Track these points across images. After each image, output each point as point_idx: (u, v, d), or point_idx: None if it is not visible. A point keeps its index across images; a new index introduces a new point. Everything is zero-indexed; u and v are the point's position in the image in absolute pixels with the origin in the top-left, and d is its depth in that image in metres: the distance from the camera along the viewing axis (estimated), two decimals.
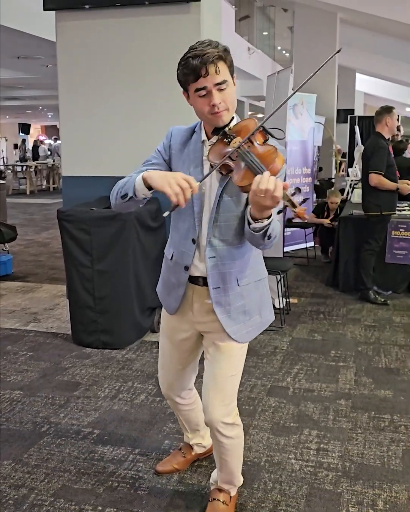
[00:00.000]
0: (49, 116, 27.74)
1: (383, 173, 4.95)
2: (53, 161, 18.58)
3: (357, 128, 11.02)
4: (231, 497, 2.27)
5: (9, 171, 18.20)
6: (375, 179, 4.97)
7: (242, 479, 2.32)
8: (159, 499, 2.39)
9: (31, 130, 30.50)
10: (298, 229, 7.24)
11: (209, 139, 1.88)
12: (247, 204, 1.82)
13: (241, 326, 2.02)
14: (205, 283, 1.98)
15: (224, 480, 2.25)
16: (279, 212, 1.71)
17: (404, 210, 5.89)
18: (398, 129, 8.31)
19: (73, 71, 4.46)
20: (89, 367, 3.76)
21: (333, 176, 13.01)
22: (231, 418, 2.09)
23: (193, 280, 2.01)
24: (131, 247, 3.94)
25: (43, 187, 18.18)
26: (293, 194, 1.61)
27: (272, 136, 1.78)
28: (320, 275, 6.20)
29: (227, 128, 1.81)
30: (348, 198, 8.31)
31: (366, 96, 28.28)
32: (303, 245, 7.28)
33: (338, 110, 13.73)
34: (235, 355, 2.07)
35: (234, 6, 16.15)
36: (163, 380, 2.33)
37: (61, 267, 6.63)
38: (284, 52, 23.42)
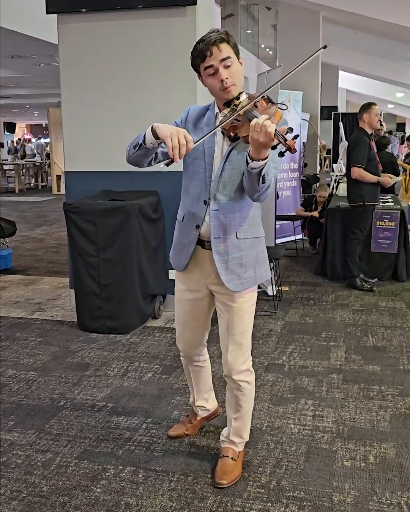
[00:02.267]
0: (36, 114, 27.79)
1: (363, 166, 5.24)
2: (41, 159, 18.71)
3: (341, 124, 11.34)
4: (238, 453, 2.55)
5: None
6: (356, 172, 5.26)
7: (248, 434, 2.59)
8: (174, 458, 2.66)
9: (16, 129, 30.52)
10: (287, 222, 7.53)
11: (221, 111, 2.17)
12: None
13: (235, 277, 2.25)
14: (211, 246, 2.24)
15: (235, 432, 2.53)
16: (274, 148, 1.87)
17: (388, 201, 6.20)
18: (381, 125, 8.64)
19: (75, 71, 4.69)
20: (97, 350, 4.01)
21: (317, 172, 13.34)
22: (246, 365, 2.40)
23: (204, 245, 2.27)
24: (134, 237, 4.19)
25: (31, 185, 18.32)
26: (286, 133, 1.92)
27: (274, 103, 2.04)
28: (309, 265, 6.49)
29: (237, 101, 2.07)
30: (333, 192, 8.62)
31: (349, 93, 28.70)
32: (292, 237, 7.58)
33: (321, 107, 14.04)
34: (244, 313, 2.33)
35: (219, 5, 16.39)
36: (182, 338, 2.57)
37: (59, 261, 6.88)
38: (267, 50, 23.70)
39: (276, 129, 1.81)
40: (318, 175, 12.62)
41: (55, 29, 4.66)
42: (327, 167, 17.32)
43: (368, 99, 27.23)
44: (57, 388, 3.42)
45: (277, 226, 7.43)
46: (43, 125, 30.28)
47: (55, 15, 4.61)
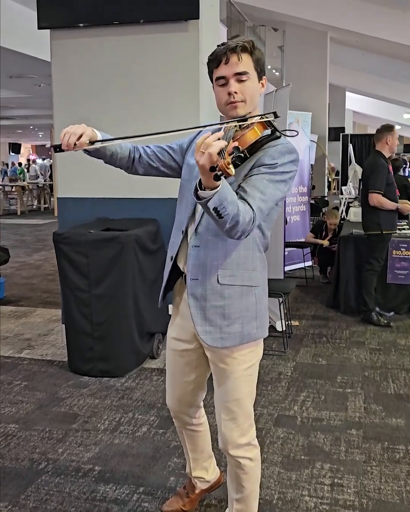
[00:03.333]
0: (40, 135, 27.70)
1: (382, 192, 4.86)
2: (44, 181, 18.48)
3: (350, 146, 11.01)
4: None
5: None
6: (375, 198, 4.88)
7: None
8: None
9: (22, 150, 30.49)
10: (295, 249, 7.14)
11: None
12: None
13: (215, 329, 1.87)
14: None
15: None
16: (214, 173, 1.50)
17: (404, 228, 5.81)
18: None
19: (69, 90, 4.37)
20: (87, 397, 3.61)
21: (326, 194, 12.99)
22: (245, 438, 1.99)
23: (186, 280, 1.93)
24: (130, 270, 3.81)
25: (34, 207, 18.05)
26: (231, 154, 1.55)
27: (275, 129, 1.75)
28: (320, 296, 6.08)
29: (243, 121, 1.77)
30: (343, 216, 8.26)
31: (355, 114, 28.50)
32: (301, 265, 7.18)
33: (329, 128, 13.76)
34: (238, 377, 1.92)
35: (225, 26, 16.24)
36: (170, 394, 2.19)
37: (54, 290, 6.50)
38: (274, 71, 23.59)
39: (221, 151, 1.48)
40: (326, 198, 12.28)
41: None
42: (335, 189, 16.99)
43: (375, 121, 27.15)
44: (39, 446, 3.01)
45: (285, 253, 7.05)
46: (47, 146, 30.18)
47: (48, 31, 4.29)
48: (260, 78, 1.81)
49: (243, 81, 1.76)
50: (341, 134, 15.36)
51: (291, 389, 3.69)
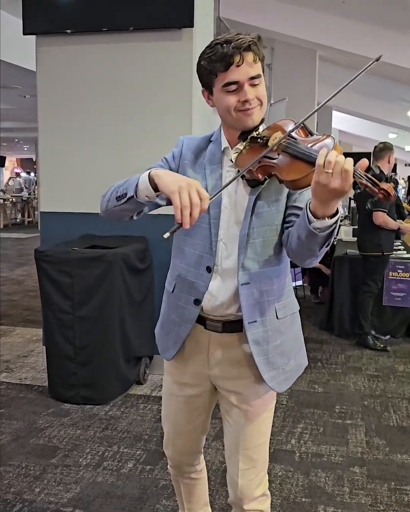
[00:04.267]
0: (25, 149, 27.43)
1: (387, 210, 4.69)
2: (29, 194, 18.19)
3: None
4: None
5: None
6: (380, 217, 4.69)
7: None
8: None
9: (7, 163, 30.17)
10: None
11: (232, 146, 1.59)
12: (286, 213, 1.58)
13: (278, 372, 1.67)
14: (225, 330, 1.65)
15: None
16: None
17: (400, 249, 5.63)
18: None
19: (54, 100, 4.15)
20: (68, 427, 3.34)
21: None
22: (262, 488, 1.80)
23: (207, 324, 1.67)
24: (116, 291, 3.57)
25: (18, 220, 17.73)
26: (369, 171, 1.31)
27: (318, 134, 1.50)
28: (312, 317, 5.87)
29: (255, 132, 1.53)
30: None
31: (341, 133, 28.65)
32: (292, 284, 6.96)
33: None
34: (263, 419, 1.73)
35: None
36: (172, 445, 1.92)
37: (36, 308, 6.21)
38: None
39: (357, 169, 1.26)
40: None
41: None
42: None
43: (361, 140, 27.36)
44: (14, 484, 2.73)
45: None
46: (33, 160, 29.92)
47: (34, 37, 4.08)
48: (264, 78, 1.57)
49: (256, 85, 1.50)
50: None
51: (287, 420, 3.46)
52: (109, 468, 2.87)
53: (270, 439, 3.11)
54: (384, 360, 4.61)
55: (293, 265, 5.76)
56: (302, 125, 1.46)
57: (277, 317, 1.64)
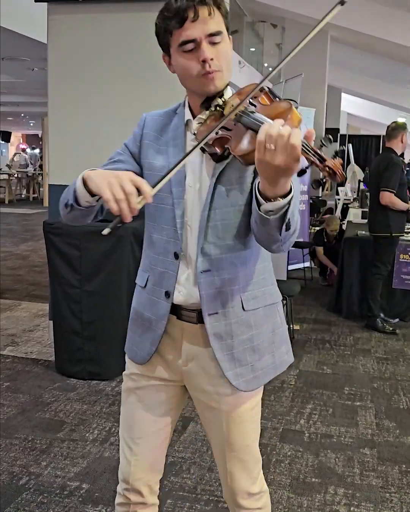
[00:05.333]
0: (31, 124, 27.20)
1: (395, 191, 4.60)
2: (34, 170, 18.09)
3: (350, 146, 10.76)
4: None
5: None
6: (387, 197, 4.61)
7: None
8: None
9: (12, 138, 29.97)
10: (295, 249, 6.87)
11: (195, 117, 1.43)
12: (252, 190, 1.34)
13: (246, 369, 1.47)
14: (201, 318, 1.45)
15: None
16: (301, 173, 1.13)
17: None
18: None
19: (65, 70, 4.05)
20: (75, 401, 3.31)
21: (320, 194, 12.74)
22: (257, 486, 1.61)
23: (182, 314, 1.48)
24: (125, 266, 3.52)
25: (23, 196, 17.64)
26: (321, 146, 1.16)
27: (281, 99, 1.30)
28: (320, 299, 5.81)
29: (220, 99, 1.36)
30: (339, 217, 8.01)
31: (349, 116, 28.36)
32: (300, 265, 6.91)
33: (325, 129, 13.56)
34: (248, 419, 1.54)
35: None
36: (130, 453, 1.58)
37: (41, 283, 6.18)
38: (270, 69, 23.34)
39: (303, 141, 1.09)
40: (321, 198, 12.04)
41: None
42: (327, 190, 16.77)
43: (369, 123, 27.05)
44: (20, 457, 2.71)
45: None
46: (39, 136, 29.73)
47: (46, 5, 3.97)
48: (229, 36, 1.38)
49: (216, 43, 1.32)
50: (338, 135, 15.15)
51: (296, 400, 3.42)
52: (116, 444, 2.84)
53: (278, 418, 3.10)
54: (393, 343, 4.56)
55: (300, 246, 5.68)
56: (266, 90, 1.28)
57: (243, 309, 1.45)
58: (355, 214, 7.50)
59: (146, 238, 1.53)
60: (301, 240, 7.22)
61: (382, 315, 4.96)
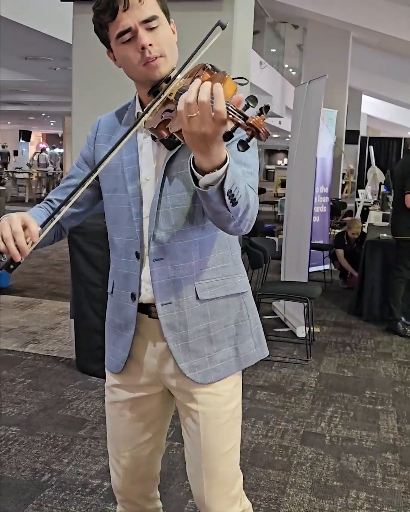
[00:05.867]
0: (52, 124, 27.41)
1: None
2: (54, 169, 18.22)
3: (371, 148, 10.69)
4: None
5: (8, 178, 17.81)
6: None
7: None
8: None
9: (32, 138, 30.22)
10: (315, 251, 6.84)
11: (144, 107, 1.36)
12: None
13: (204, 360, 1.39)
14: None
15: None
16: (227, 137, 1.04)
17: None
18: None
19: (90, 69, 4.07)
20: (96, 400, 3.32)
21: (340, 197, 12.68)
22: (237, 507, 1.48)
23: (151, 311, 1.41)
24: None
25: (43, 195, 17.77)
26: (246, 108, 1.03)
27: (222, 72, 1.21)
28: (340, 302, 5.78)
29: (165, 83, 1.30)
30: (357, 219, 7.96)
31: (369, 118, 28.20)
32: (320, 267, 6.88)
33: (346, 131, 13.49)
34: (224, 422, 1.43)
35: None
36: (117, 465, 1.55)
37: (62, 281, 6.22)
38: (291, 70, 23.26)
39: (227, 103, 1.03)
40: (341, 200, 11.98)
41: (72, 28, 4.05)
42: (347, 192, 16.68)
43: (389, 125, 26.83)
44: (43, 454, 2.72)
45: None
46: (59, 135, 29.94)
47: (70, 4, 3.99)
48: (168, 20, 1.34)
49: (153, 28, 1.28)
50: (359, 137, 15.05)
51: (317, 403, 3.40)
52: None
53: (299, 421, 3.09)
54: None
55: (320, 248, 5.65)
56: (209, 67, 1.22)
57: (197, 298, 1.38)
58: (376, 217, 7.45)
59: (109, 242, 1.49)
60: (321, 242, 7.20)
61: (403, 319, 4.91)
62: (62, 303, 5.32)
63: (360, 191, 11.55)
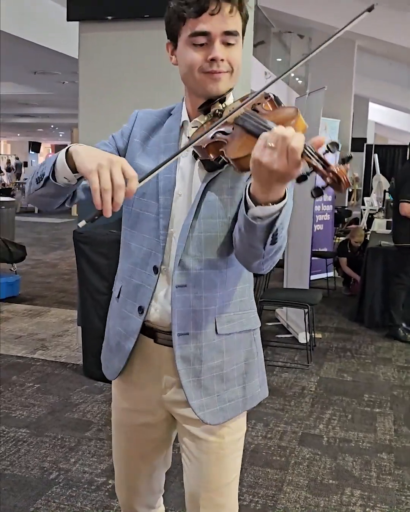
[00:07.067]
0: (61, 135, 27.73)
1: None
2: None
3: (375, 156, 10.80)
4: None
5: (18, 188, 18.05)
6: (406, 208, 4.69)
7: None
8: None
9: (41, 149, 30.57)
10: (318, 258, 6.95)
11: (192, 120, 1.32)
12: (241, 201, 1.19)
13: (213, 399, 1.34)
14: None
15: None
16: (301, 180, 1.00)
17: None
18: None
19: (96, 84, 4.22)
20: (102, 403, 3.44)
21: (346, 205, 12.80)
22: None
23: (158, 337, 1.36)
24: None
25: None
26: (325, 152, 0.97)
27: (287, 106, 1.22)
28: (342, 308, 5.88)
29: (221, 104, 1.25)
30: (364, 228, 8.06)
31: (377, 126, 28.29)
32: (323, 275, 6.98)
33: (351, 139, 13.60)
34: (230, 454, 1.40)
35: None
36: (123, 485, 1.56)
37: (70, 290, 6.36)
38: (297, 79, 23.45)
39: (306, 145, 0.98)
40: (346, 208, 12.09)
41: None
42: (354, 200, 16.77)
43: (398, 133, 26.78)
44: (50, 454, 2.85)
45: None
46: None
47: (77, 23, 4.16)
48: (243, 40, 1.28)
49: (231, 44, 1.22)
50: (364, 145, 15.15)
51: (316, 406, 3.50)
52: None
53: (298, 423, 3.20)
54: None
55: (324, 256, 5.78)
56: (271, 97, 1.20)
57: (216, 332, 1.33)
58: (380, 225, 7.55)
59: (123, 245, 1.41)
60: (325, 250, 7.30)
61: (404, 324, 5.01)
62: (70, 311, 5.46)
63: (365, 198, 11.65)
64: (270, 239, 1.09)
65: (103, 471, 2.70)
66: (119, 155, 1.33)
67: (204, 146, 1.18)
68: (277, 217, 1.06)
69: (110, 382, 3.64)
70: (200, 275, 1.29)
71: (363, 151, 14.94)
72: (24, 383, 3.75)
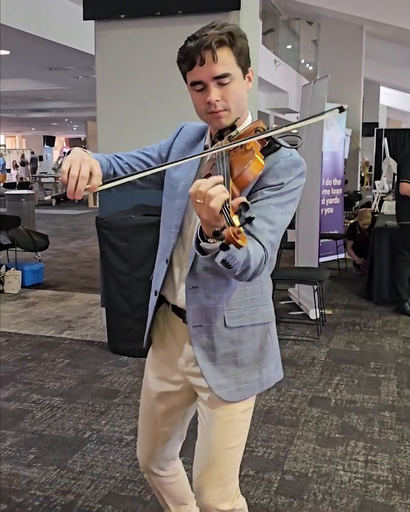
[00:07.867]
0: (75, 128, 28.06)
1: None
2: None
3: (385, 140, 10.96)
4: None
5: (35, 182, 18.41)
6: (405, 188, 4.92)
7: None
8: None
9: (56, 143, 30.92)
10: (329, 240, 7.19)
11: (212, 145, 1.52)
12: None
13: (230, 381, 1.54)
14: None
15: None
16: (224, 248, 1.13)
17: None
18: None
19: (112, 81, 4.49)
20: (127, 375, 3.75)
21: (358, 189, 12.96)
22: (229, 504, 1.61)
23: (180, 310, 1.58)
24: None
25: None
26: (238, 211, 1.13)
27: (278, 143, 1.40)
28: (353, 287, 6.14)
29: (233, 131, 1.45)
30: (375, 210, 8.26)
31: (389, 110, 28.22)
32: (334, 257, 7.23)
33: (362, 123, 13.71)
34: (234, 421, 1.58)
35: (259, 19, 16.23)
36: (142, 446, 1.83)
37: (92, 276, 6.68)
38: (307, 65, 23.47)
39: (225, 205, 1.13)
40: (359, 192, 12.26)
41: (93, 40, 4.48)
42: (367, 185, 16.89)
43: (409, 116, 26.44)
44: (83, 418, 3.16)
45: (319, 244, 7.11)
46: (82, 139, 30.56)
47: (92, 22, 4.42)
48: (245, 73, 1.44)
49: (224, 84, 1.40)
50: (375, 129, 15.26)
51: (325, 373, 3.78)
52: None
53: (308, 388, 3.47)
54: None
55: (334, 238, 6.04)
56: (259, 130, 1.39)
57: (226, 325, 1.51)
58: (389, 206, 7.74)
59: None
60: (336, 232, 7.54)
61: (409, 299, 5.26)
62: (93, 295, 5.77)
63: (376, 182, 11.81)
64: (222, 267, 1.24)
65: (131, 431, 3.00)
66: (161, 160, 1.62)
67: (204, 176, 1.33)
68: (218, 252, 1.20)
69: (134, 356, 3.94)
70: (208, 278, 1.49)
71: (373, 135, 15.06)
72: (54, 359, 4.06)
